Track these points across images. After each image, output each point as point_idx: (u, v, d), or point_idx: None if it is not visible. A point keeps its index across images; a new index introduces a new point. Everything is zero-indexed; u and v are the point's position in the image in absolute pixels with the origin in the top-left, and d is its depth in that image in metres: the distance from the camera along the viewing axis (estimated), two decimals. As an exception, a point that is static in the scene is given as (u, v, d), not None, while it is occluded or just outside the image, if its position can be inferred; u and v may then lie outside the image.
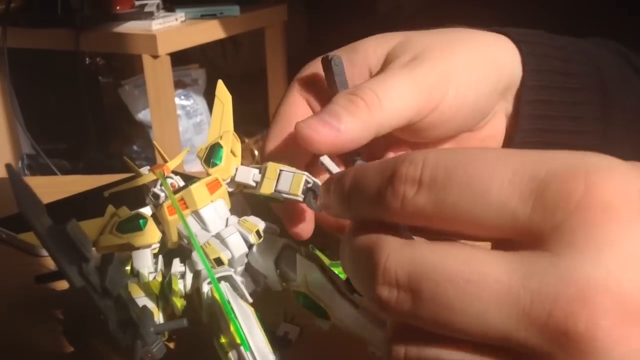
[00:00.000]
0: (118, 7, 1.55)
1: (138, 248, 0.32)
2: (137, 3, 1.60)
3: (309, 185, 0.32)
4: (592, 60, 0.43)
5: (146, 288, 0.32)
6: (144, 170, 0.35)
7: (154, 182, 0.33)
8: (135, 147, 1.86)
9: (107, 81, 2.15)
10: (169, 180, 0.33)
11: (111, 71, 2.19)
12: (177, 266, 0.32)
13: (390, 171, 0.23)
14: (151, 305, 0.32)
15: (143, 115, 1.82)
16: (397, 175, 0.23)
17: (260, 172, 0.33)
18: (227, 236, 0.32)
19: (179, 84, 1.87)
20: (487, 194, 0.21)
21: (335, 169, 0.32)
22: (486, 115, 0.40)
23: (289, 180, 0.32)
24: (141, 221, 0.31)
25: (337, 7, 2.08)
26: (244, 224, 0.33)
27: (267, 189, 0.32)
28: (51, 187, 0.60)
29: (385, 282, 0.22)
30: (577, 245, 0.19)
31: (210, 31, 1.67)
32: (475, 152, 0.22)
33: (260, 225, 0.33)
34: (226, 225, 0.33)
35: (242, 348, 0.29)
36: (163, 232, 0.32)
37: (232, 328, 0.29)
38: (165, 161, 0.36)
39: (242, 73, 2.21)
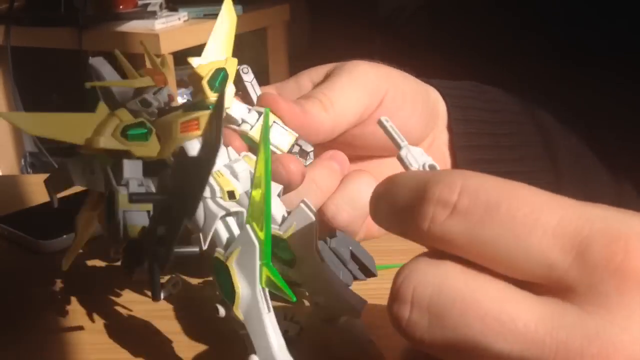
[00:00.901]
0: (121, 7, 1.56)
1: (136, 158, 0.30)
2: (140, 2, 1.61)
3: (300, 147, 0.33)
4: (527, 108, 0.46)
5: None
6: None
7: (148, 89, 0.32)
8: (137, 146, 1.86)
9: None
10: (161, 94, 0.32)
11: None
12: None
13: (423, 190, 0.22)
14: (144, 221, 0.30)
15: (145, 114, 1.82)
16: (429, 196, 0.22)
17: (249, 112, 0.33)
18: (238, 169, 0.30)
19: (180, 83, 1.87)
20: (528, 240, 0.21)
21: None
22: (423, 136, 0.43)
23: (280, 135, 0.33)
24: (146, 131, 0.29)
25: (340, 7, 2.08)
26: (248, 160, 0.31)
27: (257, 133, 0.33)
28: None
29: (399, 299, 0.22)
30: (609, 307, 0.20)
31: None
32: (520, 190, 0.22)
33: None
34: (229, 158, 0.31)
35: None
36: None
37: None
38: (158, 69, 0.34)
39: (244, 72, 2.22)
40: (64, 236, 0.47)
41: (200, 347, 0.34)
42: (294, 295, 0.26)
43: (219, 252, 0.28)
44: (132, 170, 0.29)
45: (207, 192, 0.29)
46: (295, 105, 0.36)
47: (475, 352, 0.21)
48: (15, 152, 1.82)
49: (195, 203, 0.25)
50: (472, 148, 0.42)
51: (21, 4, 1.66)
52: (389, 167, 0.40)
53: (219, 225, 0.29)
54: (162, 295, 0.39)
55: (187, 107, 0.30)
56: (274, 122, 0.32)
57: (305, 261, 0.29)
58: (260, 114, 0.34)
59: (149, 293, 0.40)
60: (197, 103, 0.30)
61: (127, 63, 0.32)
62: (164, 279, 0.40)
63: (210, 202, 0.29)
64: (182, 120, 0.29)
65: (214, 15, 1.52)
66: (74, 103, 1.80)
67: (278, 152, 0.32)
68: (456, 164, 0.43)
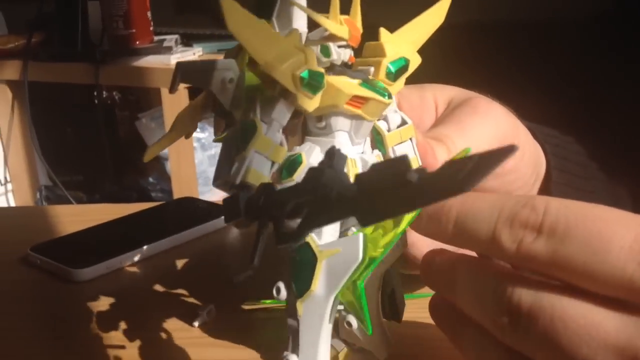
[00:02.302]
0: (137, 42, 1.58)
1: (292, 108, 0.28)
2: (155, 38, 1.64)
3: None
4: (600, 159, 0.45)
5: (276, 152, 0.28)
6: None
7: (335, 38, 0.28)
8: (150, 179, 1.87)
9: (123, 114, 2.18)
10: (345, 51, 0.29)
11: (127, 104, 2.22)
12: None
13: (509, 213, 0.24)
14: (267, 172, 0.28)
15: (159, 148, 1.84)
16: (518, 219, 0.23)
17: (395, 112, 0.31)
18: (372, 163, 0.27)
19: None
20: (606, 255, 0.22)
21: None
22: (528, 191, 0.41)
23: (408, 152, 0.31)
24: (321, 86, 0.26)
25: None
26: (379, 160, 0.30)
27: (391, 139, 0.30)
28: (75, 216, 0.61)
29: (505, 309, 0.23)
30: None
31: (227, 66, 1.69)
32: (596, 209, 0.23)
33: None
34: (363, 152, 0.30)
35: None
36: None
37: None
38: (357, 26, 0.29)
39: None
40: (98, 264, 0.47)
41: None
42: (372, 329, 0.26)
43: (313, 238, 0.26)
44: (281, 113, 0.28)
45: None
46: (429, 146, 0.34)
47: (563, 355, 0.22)
48: (29, 186, 1.83)
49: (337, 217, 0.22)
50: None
51: (39, 40, 1.69)
52: None
53: None
54: (197, 323, 0.40)
55: (363, 80, 0.28)
56: (411, 138, 0.31)
57: (368, 281, 0.28)
58: (403, 120, 0.31)
59: (185, 320, 0.40)
60: (373, 82, 0.28)
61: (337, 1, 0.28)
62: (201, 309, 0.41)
63: None
64: (355, 93, 0.27)
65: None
66: (87, 137, 1.81)
67: None
68: None
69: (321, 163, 0.22)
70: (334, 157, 0.22)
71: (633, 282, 0.21)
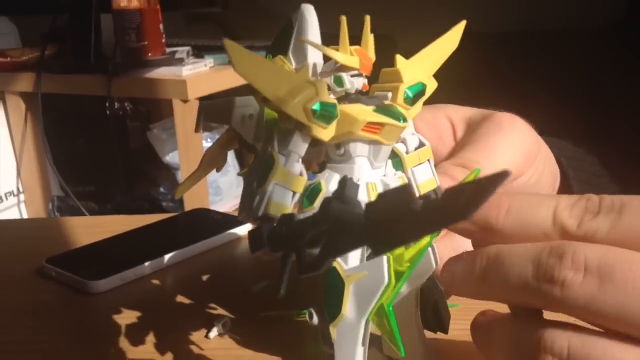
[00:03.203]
0: (149, 54, 1.59)
1: (309, 139, 0.28)
2: (167, 50, 1.65)
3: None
4: (610, 170, 0.46)
5: (295, 182, 0.29)
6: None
7: (347, 68, 0.29)
8: (161, 189, 1.88)
9: (134, 125, 2.20)
10: (357, 79, 0.30)
11: (138, 115, 2.24)
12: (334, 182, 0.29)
13: (567, 201, 0.25)
14: (288, 202, 0.28)
15: (170, 158, 1.85)
16: (577, 205, 0.25)
17: (412, 134, 0.32)
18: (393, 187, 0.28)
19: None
20: None
21: None
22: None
23: (425, 175, 0.31)
24: (335, 112, 0.27)
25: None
26: (402, 181, 0.30)
27: (408, 161, 0.31)
28: (89, 228, 0.61)
29: (572, 267, 0.23)
30: None
31: (238, 76, 1.70)
32: (632, 254, 0.24)
33: None
34: (385, 174, 0.30)
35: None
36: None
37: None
38: (369, 55, 0.30)
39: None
40: (113, 276, 0.48)
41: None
42: (404, 350, 0.26)
43: (339, 263, 0.27)
44: (298, 145, 0.29)
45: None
46: (452, 180, 0.34)
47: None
48: (42, 197, 1.85)
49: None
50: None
51: (52, 53, 1.71)
52: None
53: None
54: (212, 335, 0.40)
55: (377, 106, 0.29)
56: (429, 159, 0.31)
57: (402, 299, 0.29)
58: (421, 142, 0.32)
59: (201, 332, 0.41)
60: (387, 107, 0.29)
61: (346, 32, 0.29)
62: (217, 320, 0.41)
63: None
64: (370, 120, 0.28)
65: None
66: (99, 148, 1.83)
67: (416, 191, 0.31)
68: None
69: (334, 193, 0.23)
70: (345, 186, 0.23)
71: None
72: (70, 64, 1.65)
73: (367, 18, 0.29)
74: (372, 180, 0.29)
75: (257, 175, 0.29)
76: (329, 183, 0.29)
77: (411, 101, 0.30)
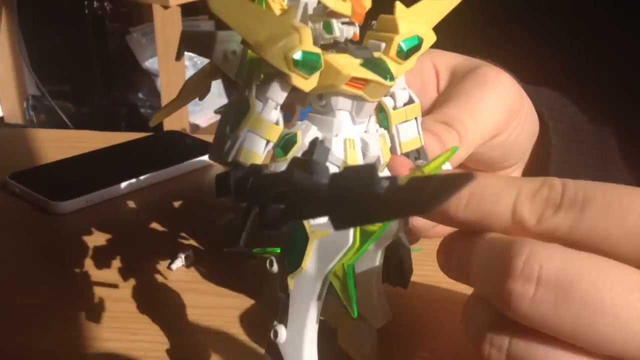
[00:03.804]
0: (131, -47, 1.52)
1: (289, 88, 0.27)
2: (150, -50, 1.57)
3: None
4: (598, 135, 0.45)
5: (269, 130, 0.27)
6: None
7: (335, 14, 0.28)
8: (140, 95, 1.85)
9: (114, 25, 2.13)
10: (348, 28, 0.28)
11: (118, 16, 2.17)
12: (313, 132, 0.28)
13: (528, 191, 0.24)
14: (260, 150, 0.28)
15: (150, 64, 1.80)
16: (538, 196, 0.23)
17: (404, 89, 0.31)
18: (371, 151, 0.28)
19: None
20: (625, 220, 0.22)
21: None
22: (523, 157, 0.41)
23: (410, 133, 0.30)
24: (316, 67, 0.26)
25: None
26: (382, 140, 0.29)
27: (396, 116, 0.30)
28: (59, 142, 0.60)
29: (522, 277, 0.22)
30: None
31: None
32: (613, 185, 0.23)
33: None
34: (366, 130, 0.29)
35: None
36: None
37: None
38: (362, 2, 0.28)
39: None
40: (79, 198, 0.47)
41: (212, 322, 0.35)
42: (357, 311, 0.26)
43: None
44: (276, 93, 0.27)
45: (332, 153, 0.27)
46: (438, 137, 0.33)
47: (595, 331, 0.21)
48: (17, 96, 1.80)
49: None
50: (560, 163, 0.42)
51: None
52: None
53: None
54: (175, 266, 0.40)
55: (366, 59, 0.27)
56: (416, 117, 0.30)
57: (366, 253, 0.28)
58: (411, 99, 0.31)
59: (164, 261, 0.40)
60: (376, 61, 0.27)
61: None
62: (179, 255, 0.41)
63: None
64: (354, 75, 0.26)
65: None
66: (76, 48, 1.77)
67: (398, 149, 0.30)
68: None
69: (304, 154, 0.22)
70: (313, 151, 0.23)
71: None
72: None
73: None
74: (351, 137, 0.28)
75: (231, 118, 0.28)
76: (305, 135, 0.28)
77: (404, 55, 0.28)
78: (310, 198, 0.20)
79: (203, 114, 1.80)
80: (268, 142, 0.27)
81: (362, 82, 0.26)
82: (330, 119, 0.28)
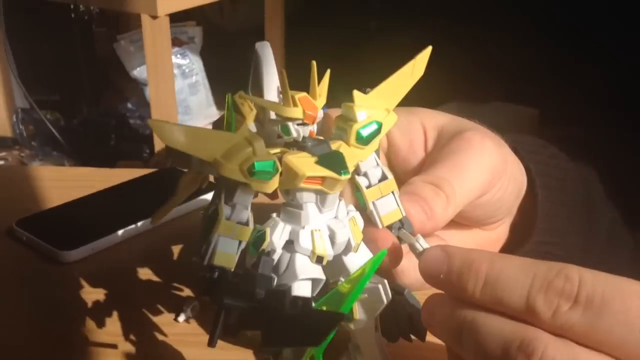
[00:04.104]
0: (118, -36, 1.52)
1: (252, 192, 0.30)
2: (137, -40, 1.57)
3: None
4: (581, 175, 0.46)
5: (239, 232, 0.30)
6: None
7: (291, 119, 0.30)
8: (129, 105, 1.85)
9: (101, 31, 2.12)
10: (304, 128, 0.31)
11: (105, 21, 2.16)
12: (280, 228, 0.31)
13: (543, 280, 0.25)
14: (233, 251, 0.30)
15: (138, 72, 1.80)
16: (553, 287, 0.24)
17: (376, 166, 0.33)
18: (339, 239, 0.30)
19: (175, 42, 1.85)
20: None
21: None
22: (509, 213, 0.42)
23: (389, 207, 0.32)
24: (272, 172, 0.29)
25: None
26: (352, 224, 0.31)
27: (370, 194, 0.32)
28: (60, 181, 0.61)
29: None
30: None
31: (210, -8, 1.65)
32: (631, 285, 0.24)
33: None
34: (336, 215, 0.31)
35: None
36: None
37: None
38: (313, 104, 0.31)
39: (239, 30, 2.19)
40: (85, 246, 0.48)
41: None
42: None
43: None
44: (242, 198, 0.30)
45: (299, 245, 0.30)
46: (422, 201, 0.34)
47: None
48: (6, 109, 1.80)
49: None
50: (549, 216, 0.43)
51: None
52: (464, 237, 0.41)
53: (295, 285, 0.30)
54: (181, 319, 0.42)
55: (322, 156, 0.29)
56: (392, 191, 0.32)
57: (362, 324, 0.32)
58: (384, 175, 0.32)
59: (171, 312, 0.42)
60: (332, 156, 0.30)
61: (286, 84, 0.30)
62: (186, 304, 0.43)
63: (297, 260, 0.30)
64: (309, 174, 0.29)
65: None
66: (64, 55, 1.76)
67: (379, 223, 0.32)
68: (530, 231, 0.43)
69: (252, 265, 0.28)
70: (259, 263, 0.28)
71: None
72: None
73: (314, 64, 0.29)
74: (319, 227, 0.30)
75: (206, 225, 0.31)
76: (273, 232, 0.31)
77: (364, 141, 0.30)
78: (252, 313, 0.25)
79: (192, 122, 1.81)
80: (241, 242, 0.30)
81: (319, 178, 0.29)
82: (298, 212, 0.31)
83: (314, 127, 0.31)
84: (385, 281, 0.32)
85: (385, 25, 2.04)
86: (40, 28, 1.91)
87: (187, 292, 0.45)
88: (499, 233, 0.44)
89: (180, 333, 0.41)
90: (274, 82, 0.32)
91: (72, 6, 1.83)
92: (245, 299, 0.27)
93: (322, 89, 0.31)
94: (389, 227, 0.32)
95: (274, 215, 0.31)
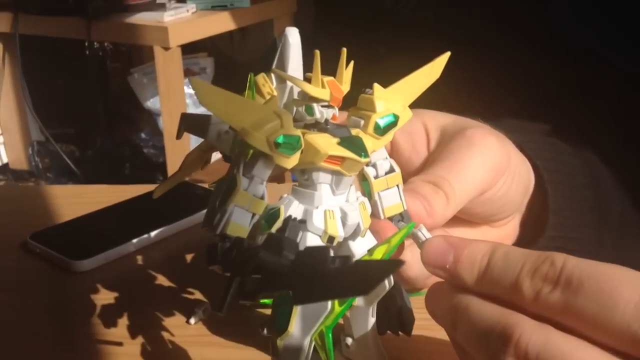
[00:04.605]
0: (130, -2, 1.56)
1: (273, 165, 0.30)
2: (148, -6, 1.61)
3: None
4: (593, 172, 0.47)
5: (255, 205, 0.30)
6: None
7: (318, 100, 0.31)
8: (143, 135, 1.88)
9: (115, 66, 2.17)
10: (328, 110, 0.31)
11: (119, 56, 2.21)
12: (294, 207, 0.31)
13: (531, 265, 0.26)
14: (246, 223, 0.30)
15: (152, 103, 1.83)
16: (539, 272, 0.26)
17: (385, 159, 0.33)
18: (350, 220, 0.31)
19: (187, 72, 1.89)
20: (614, 311, 0.24)
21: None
22: (517, 210, 0.43)
23: (393, 199, 0.33)
24: (296, 148, 0.29)
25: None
26: (362, 208, 0.31)
27: (378, 185, 0.33)
28: (74, 198, 0.62)
29: (514, 355, 0.25)
30: None
31: (221, 22, 1.68)
32: (609, 268, 0.25)
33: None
34: (347, 199, 0.32)
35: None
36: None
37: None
38: (340, 88, 0.31)
39: (249, 60, 2.23)
40: (98, 255, 0.49)
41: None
42: None
43: None
44: (261, 171, 0.30)
45: (312, 224, 0.30)
46: (422, 198, 0.35)
47: None
48: (22, 141, 1.83)
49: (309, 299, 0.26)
50: (559, 211, 0.43)
51: (29, -8, 1.66)
52: (473, 235, 0.41)
53: None
54: (193, 321, 0.42)
55: (343, 138, 0.30)
56: (397, 184, 0.33)
57: (359, 309, 0.32)
58: (392, 168, 0.33)
59: (183, 315, 0.42)
60: (353, 139, 0.30)
61: (318, 65, 0.30)
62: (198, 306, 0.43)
63: (309, 239, 0.30)
64: (332, 153, 0.29)
65: (222, 7, 1.53)
66: (79, 89, 1.80)
67: (381, 214, 0.33)
68: (541, 228, 0.43)
69: (279, 230, 0.27)
70: (286, 227, 0.27)
71: (636, 337, 0.23)
72: (48, 5, 1.60)
73: (344, 51, 0.30)
74: (331, 208, 0.31)
75: (221, 193, 0.31)
76: (288, 210, 0.31)
77: (381, 131, 0.31)
78: (276, 274, 0.24)
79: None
80: (254, 214, 0.30)
81: (339, 159, 0.29)
82: (311, 192, 0.31)
83: (336, 111, 0.31)
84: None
85: (394, 52, 2.07)
86: (55, 64, 1.96)
87: (198, 295, 0.45)
88: (509, 230, 0.44)
89: (193, 334, 0.41)
90: (299, 68, 0.33)
91: (86, 43, 1.87)
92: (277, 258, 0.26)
93: (347, 76, 0.31)
94: (390, 219, 0.33)
95: (285, 195, 0.32)
